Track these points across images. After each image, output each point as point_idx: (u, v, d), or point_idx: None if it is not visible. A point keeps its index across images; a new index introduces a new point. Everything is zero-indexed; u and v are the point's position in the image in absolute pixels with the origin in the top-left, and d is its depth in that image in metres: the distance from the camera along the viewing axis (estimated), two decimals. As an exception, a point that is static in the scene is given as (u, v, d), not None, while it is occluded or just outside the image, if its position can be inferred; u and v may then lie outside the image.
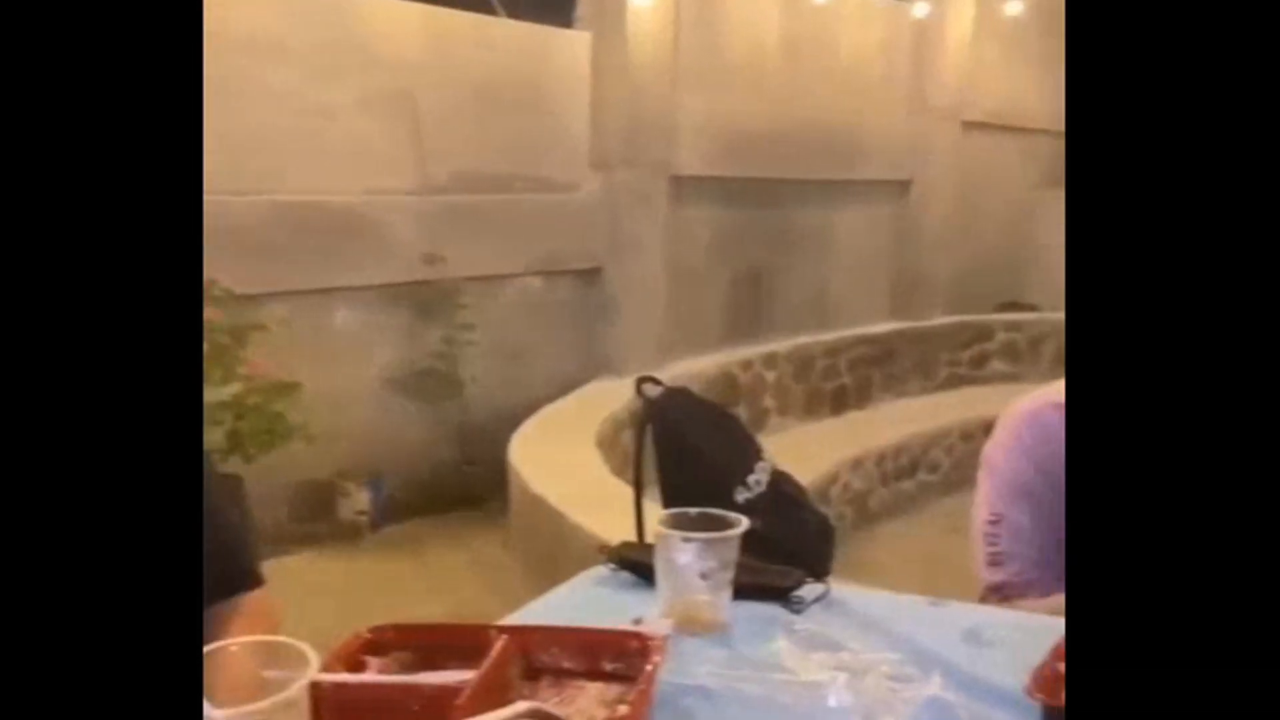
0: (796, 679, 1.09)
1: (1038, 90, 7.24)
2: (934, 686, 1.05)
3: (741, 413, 5.30)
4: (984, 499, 1.59)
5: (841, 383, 6.08)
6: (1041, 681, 1.02)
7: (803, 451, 4.86)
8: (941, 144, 6.43)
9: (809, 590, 1.30)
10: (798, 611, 1.26)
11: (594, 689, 1.04)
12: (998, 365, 6.49)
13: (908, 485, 5.67)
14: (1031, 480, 1.55)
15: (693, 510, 1.24)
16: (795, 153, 5.75)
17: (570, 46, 5.06)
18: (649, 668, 1.01)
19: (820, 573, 1.75)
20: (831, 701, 1.04)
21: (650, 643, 1.06)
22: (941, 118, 6.39)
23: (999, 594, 1.54)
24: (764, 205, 5.78)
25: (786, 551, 1.53)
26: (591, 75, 5.01)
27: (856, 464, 5.32)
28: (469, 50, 4.78)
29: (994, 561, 1.55)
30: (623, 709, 0.99)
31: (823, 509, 4.84)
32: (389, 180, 4.61)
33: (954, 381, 6.48)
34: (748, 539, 1.19)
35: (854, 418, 6.07)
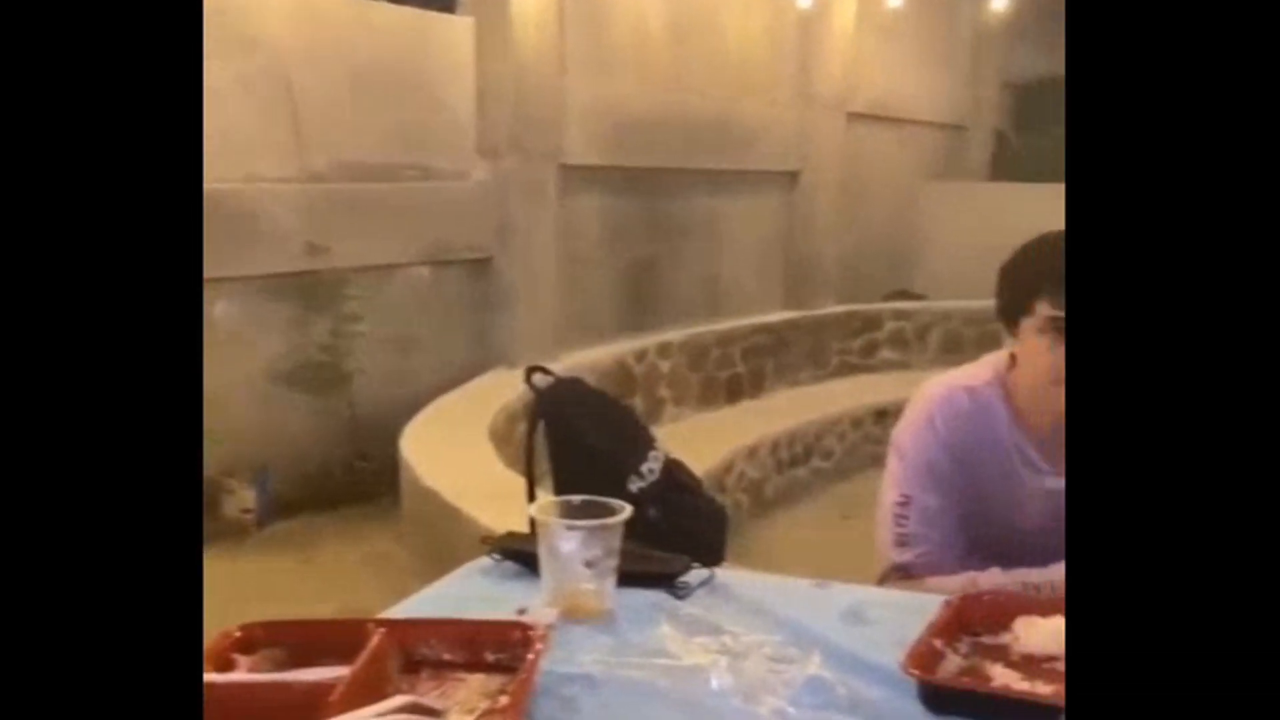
0: (679, 663, 1.09)
1: (917, 82, 7.40)
2: (813, 666, 1.06)
3: (637, 403, 5.31)
4: (893, 481, 1.61)
5: (736, 372, 6.14)
6: (916, 657, 1.04)
7: (698, 440, 4.89)
8: (827, 135, 6.53)
9: (694, 576, 1.30)
10: (682, 597, 1.26)
11: (475, 681, 1.03)
12: (887, 354, 6.62)
13: (802, 472, 5.75)
14: (940, 463, 1.57)
15: (576, 498, 1.23)
16: (684, 142, 5.77)
17: (452, 31, 4.99)
18: (531, 657, 1.00)
19: (714, 560, 1.76)
20: (713, 684, 1.04)
21: (532, 632, 1.05)
22: (827, 108, 6.48)
23: (903, 574, 1.56)
24: (654, 194, 5.79)
25: (681, 539, 1.54)
26: (475, 61, 4.95)
27: (751, 452, 5.37)
28: (348, 34, 4.68)
29: (901, 542, 1.57)
30: (504, 699, 0.97)
31: (718, 497, 4.86)
32: (268, 167, 4.48)
33: (845, 370, 6.59)
34: (642, 528, 1.19)
35: (748, 406, 6.13)
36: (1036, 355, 1.47)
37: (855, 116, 6.70)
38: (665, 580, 1.28)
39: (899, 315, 6.64)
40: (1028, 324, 1.47)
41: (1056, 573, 1.52)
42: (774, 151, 6.38)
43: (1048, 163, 7.82)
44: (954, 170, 7.90)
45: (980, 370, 1.60)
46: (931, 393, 1.61)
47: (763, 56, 6.23)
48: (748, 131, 6.17)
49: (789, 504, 5.57)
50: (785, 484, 5.63)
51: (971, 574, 1.50)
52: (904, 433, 1.62)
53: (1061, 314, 1.42)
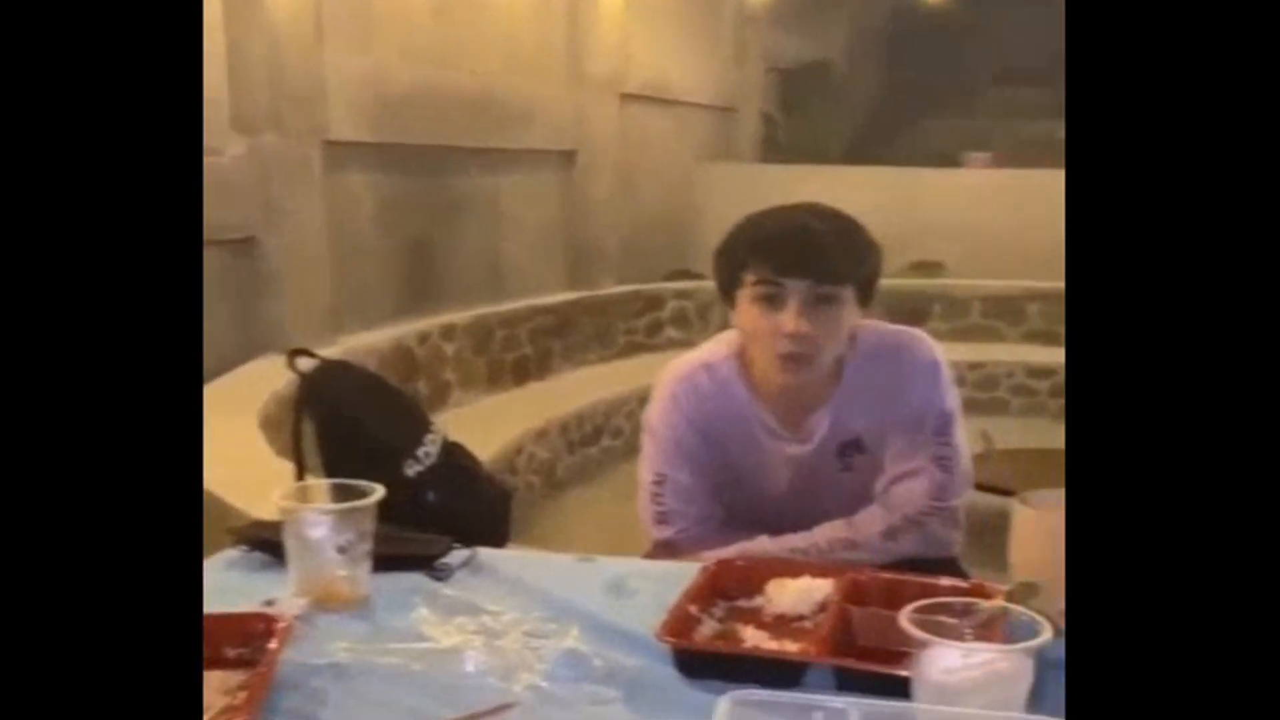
0: (436, 646, 1.07)
1: (687, 65, 7.52)
2: (571, 639, 1.06)
3: (421, 387, 5.20)
4: (647, 460, 1.64)
5: (523, 353, 6.10)
6: (670, 624, 1.05)
7: (487, 423, 4.83)
8: (601, 115, 6.55)
9: (455, 557, 1.28)
10: (443, 579, 1.23)
11: (215, 677, 0.98)
12: (671, 333, 6.74)
13: (593, 452, 5.78)
14: (690, 441, 1.60)
15: (326, 482, 1.18)
16: (454, 119, 5.65)
17: (198, -3, 4.71)
18: (270, 649, 0.95)
19: (499, 542, 1.74)
20: (469, 666, 1.02)
21: (275, 625, 1.00)
22: (599, 88, 6.49)
23: (667, 550, 1.58)
24: (427, 173, 5.66)
25: (462, 522, 1.51)
26: (225, 29, 4.68)
27: (541, 434, 5.36)
28: None
29: (660, 520, 1.60)
30: (242, 695, 0.92)
31: (510, 479, 4.82)
32: None
33: (631, 349, 6.66)
34: (421, 511, 1.15)
35: (536, 388, 6.10)
36: (752, 324, 1.52)
37: (629, 97, 6.75)
38: (425, 563, 1.25)
39: (681, 295, 6.76)
40: (741, 295, 1.53)
41: (819, 535, 1.58)
42: (548, 131, 6.35)
43: (813, 145, 8.14)
44: (726, 152, 8.09)
45: (717, 347, 1.65)
46: (674, 372, 1.64)
47: (531, 34, 6.18)
48: (519, 110, 6.11)
49: (581, 484, 5.59)
50: (577, 464, 5.65)
51: (742, 544, 1.54)
52: (652, 413, 1.65)
53: (766, 277, 1.48)
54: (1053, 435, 5.28)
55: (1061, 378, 6.06)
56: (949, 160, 7.65)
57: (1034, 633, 0.87)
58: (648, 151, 7.18)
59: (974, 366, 6.05)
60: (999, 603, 0.96)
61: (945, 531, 1.61)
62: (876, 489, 1.62)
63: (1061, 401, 6.15)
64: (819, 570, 1.18)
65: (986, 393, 6.11)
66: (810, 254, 1.47)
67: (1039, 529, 1.12)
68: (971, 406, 6.46)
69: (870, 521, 1.59)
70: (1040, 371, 6.12)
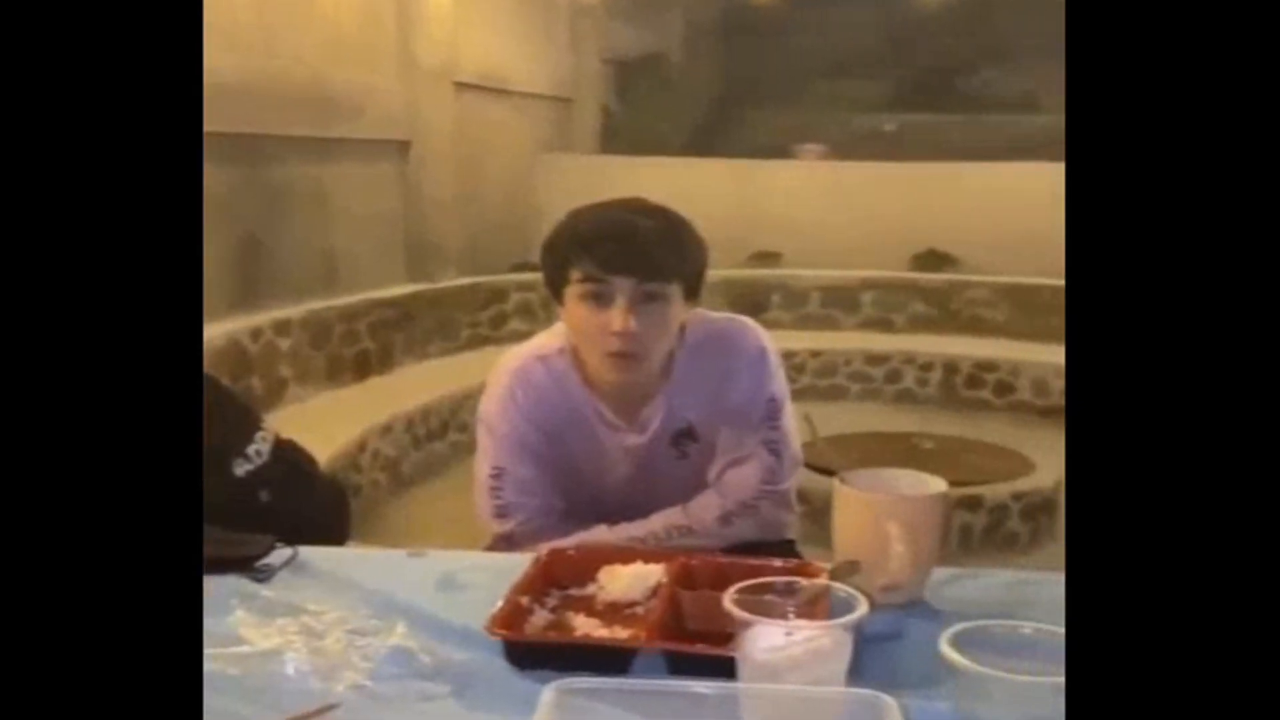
0: (254, 650, 1.03)
1: (523, 54, 7.47)
2: (397, 636, 1.03)
3: (256, 384, 5.02)
4: (484, 454, 1.62)
5: (363, 348, 5.95)
6: (500, 617, 1.04)
7: (328, 420, 4.69)
8: (436, 104, 6.43)
9: (276, 557, 1.23)
10: (263, 580, 1.19)
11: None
12: (516, 325, 6.68)
13: (440, 447, 5.69)
14: (527, 433, 1.59)
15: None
16: (280, 108, 5.46)
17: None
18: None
19: (338, 541, 1.68)
20: (289, 669, 0.99)
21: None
22: (432, 77, 6.38)
23: (508, 543, 1.57)
24: (254, 163, 5.46)
25: (297, 522, 1.46)
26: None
27: (386, 429, 5.24)
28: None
29: (500, 514, 1.59)
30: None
31: (354, 477, 4.70)
32: None
33: (476, 342, 6.58)
34: (253, 512, 1.11)
35: (379, 383, 5.97)
36: (580, 322, 1.52)
37: (463, 87, 6.66)
38: (245, 564, 1.21)
39: (524, 287, 6.71)
40: (568, 292, 1.52)
41: (656, 523, 1.59)
42: (380, 120, 6.20)
43: (651, 136, 8.21)
44: (566, 143, 8.07)
45: (551, 339, 1.64)
46: (508, 365, 1.63)
47: (358, 21, 6.03)
48: (349, 99, 5.94)
49: (428, 479, 5.50)
50: (423, 459, 5.55)
51: (580, 535, 1.54)
52: (488, 407, 1.63)
53: (592, 275, 1.48)
54: (890, 419, 5.51)
55: (895, 364, 6.34)
56: (782, 152, 7.82)
57: (852, 609, 0.89)
58: (486, 142, 7.10)
59: (814, 354, 6.21)
60: (821, 581, 0.98)
61: (778, 514, 1.64)
62: (711, 476, 1.64)
63: (896, 386, 6.40)
64: (651, 556, 1.19)
65: (826, 379, 6.27)
66: (635, 252, 1.48)
67: (859, 508, 1.15)
68: (813, 393, 6.67)
69: (706, 508, 1.61)
70: (876, 358, 6.33)
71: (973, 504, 3.99)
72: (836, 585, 0.96)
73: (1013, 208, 6.75)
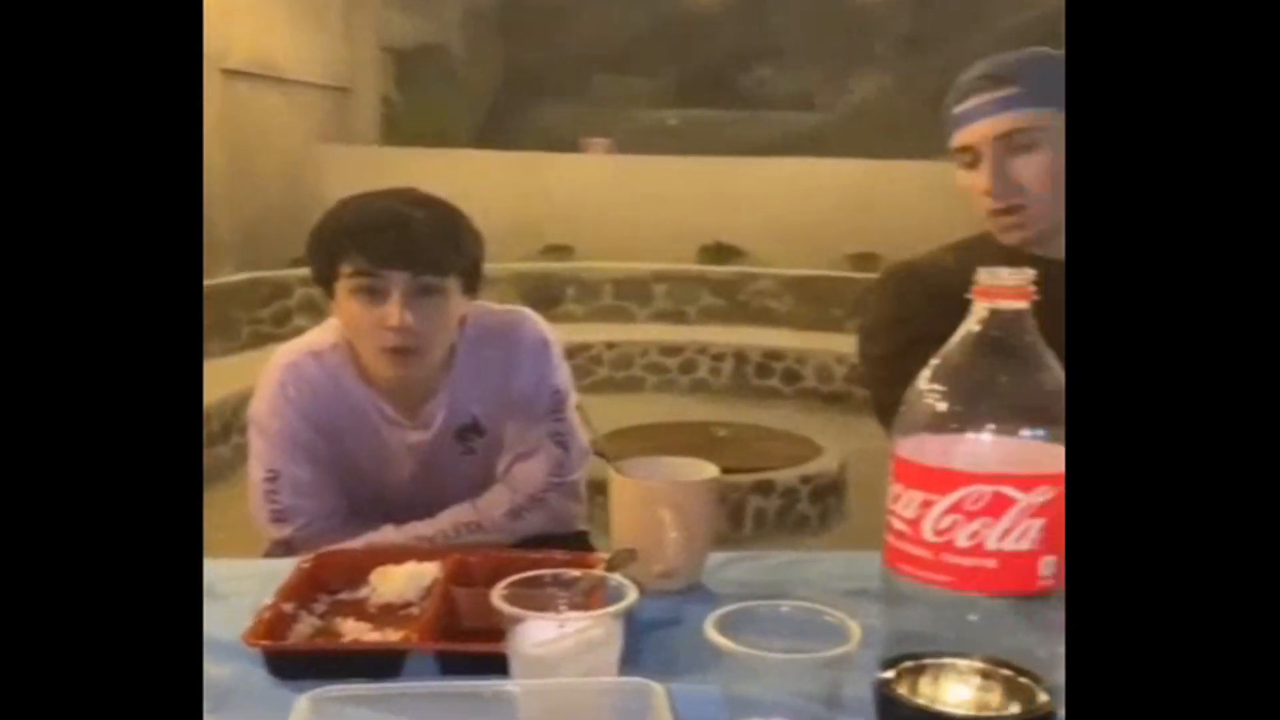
0: None
1: (296, 41, 7.21)
2: (146, 655, 0.96)
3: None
4: (257, 457, 1.55)
5: (135, 350, 5.63)
6: (260, 626, 0.98)
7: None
8: (203, 91, 6.16)
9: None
10: None
11: None
12: (300, 321, 6.44)
13: (223, 450, 5.43)
14: (303, 433, 1.52)
15: None
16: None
17: None
18: None
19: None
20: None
21: None
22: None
23: (288, 549, 1.49)
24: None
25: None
26: None
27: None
28: None
29: (278, 518, 1.52)
30: None
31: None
32: None
33: (258, 340, 6.31)
34: None
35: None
36: (354, 317, 1.47)
37: (232, 74, 6.38)
38: None
39: (307, 282, 6.48)
40: (340, 286, 1.47)
41: (444, 521, 1.55)
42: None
43: (435, 128, 8.08)
44: (345, 134, 7.85)
45: (324, 334, 1.58)
46: (279, 361, 1.56)
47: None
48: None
49: (211, 484, 5.24)
50: (210, 463, 5.29)
51: (367, 537, 1.49)
52: (259, 406, 1.56)
53: (364, 269, 1.43)
54: (686, 409, 5.61)
55: (689, 354, 6.46)
56: (569, 145, 7.85)
57: (623, 597, 0.89)
58: (260, 131, 6.81)
59: (610, 346, 6.26)
60: (595, 572, 0.97)
61: (568, 506, 1.63)
62: (499, 470, 1.61)
63: (691, 376, 6.52)
64: (425, 554, 1.15)
65: (623, 371, 6.34)
66: (409, 244, 1.43)
67: (634, 496, 1.15)
68: (610, 385, 6.72)
69: (494, 503, 1.58)
70: (671, 349, 6.43)
71: (765, 489, 4.11)
72: (610, 575, 0.95)
73: (793, 201, 7.00)
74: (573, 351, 6.11)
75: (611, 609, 0.86)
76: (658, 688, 0.77)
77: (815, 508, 4.19)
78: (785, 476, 4.18)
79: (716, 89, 9.21)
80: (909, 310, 1.46)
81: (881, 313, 1.61)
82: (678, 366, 6.42)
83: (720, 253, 7.05)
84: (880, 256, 5.63)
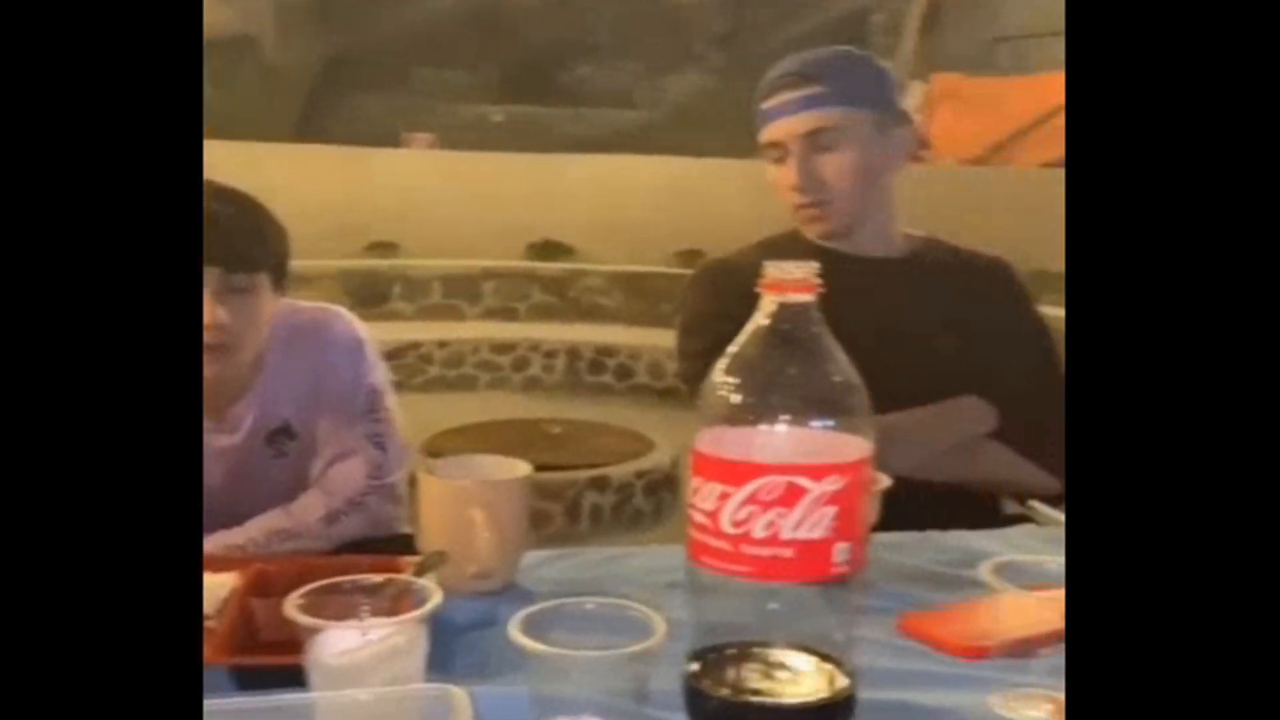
0: None
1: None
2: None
3: None
4: None
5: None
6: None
7: None
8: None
9: None
10: None
11: None
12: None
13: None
14: None
15: None
16: None
17: None
18: None
19: None
20: None
21: None
22: None
23: None
24: None
25: None
26: None
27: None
28: None
29: None
30: None
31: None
32: None
33: None
34: None
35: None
36: None
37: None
38: None
39: None
40: None
41: (254, 529, 1.49)
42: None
43: (250, 121, 7.79)
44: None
45: None
46: None
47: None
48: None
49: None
50: None
51: None
52: None
53: None
54: (520, 407, 5.57)
55: (521, 351, 6.42)
56: (390, 140, 7.72)
57: (426, 601, 0.87)
58: None
59: (441, 345, 6.18)
60: (401, 577, 0.94)
61: (387, 509, 1.60)
62: (313, 474, 1.57)
63: (524, 374, 6.49)
64: (220, 565, 1.10)
65: (455, 369, 6.26)
66: (217, 240, 1.37)
67: (441, 496, 1.13)
68: (442, 384, 6.60)
69: (309, 508, 1.53)
70: (502, 347, 6.39)
71: (601, 484, 4.13)
72: (414, 580, 0.93)
73: (619, 199, 7.05)
74: (402, 350, 6.05)
75: (413, 614, 0.84)
76: (460, 692, 0.76)
77: (649, 502, 4.24)
78: (620, 472, 4.21)
79: (539, 85, 9.21)
80: (723, 306, 1.49)
81: (697, 309, 1.64)
82: (510, 364, 6.39)
83: (548, 250, 7.04)
84: (707, 253, 5.73)
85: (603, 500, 4.15)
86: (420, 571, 1.01)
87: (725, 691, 0.82)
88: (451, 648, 0.99)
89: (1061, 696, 0.85)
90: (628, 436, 4.65)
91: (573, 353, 6.37)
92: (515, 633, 0.80)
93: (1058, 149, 7.80)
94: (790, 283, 0.78)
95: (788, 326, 0.79)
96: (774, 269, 0.79)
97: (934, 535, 1.34)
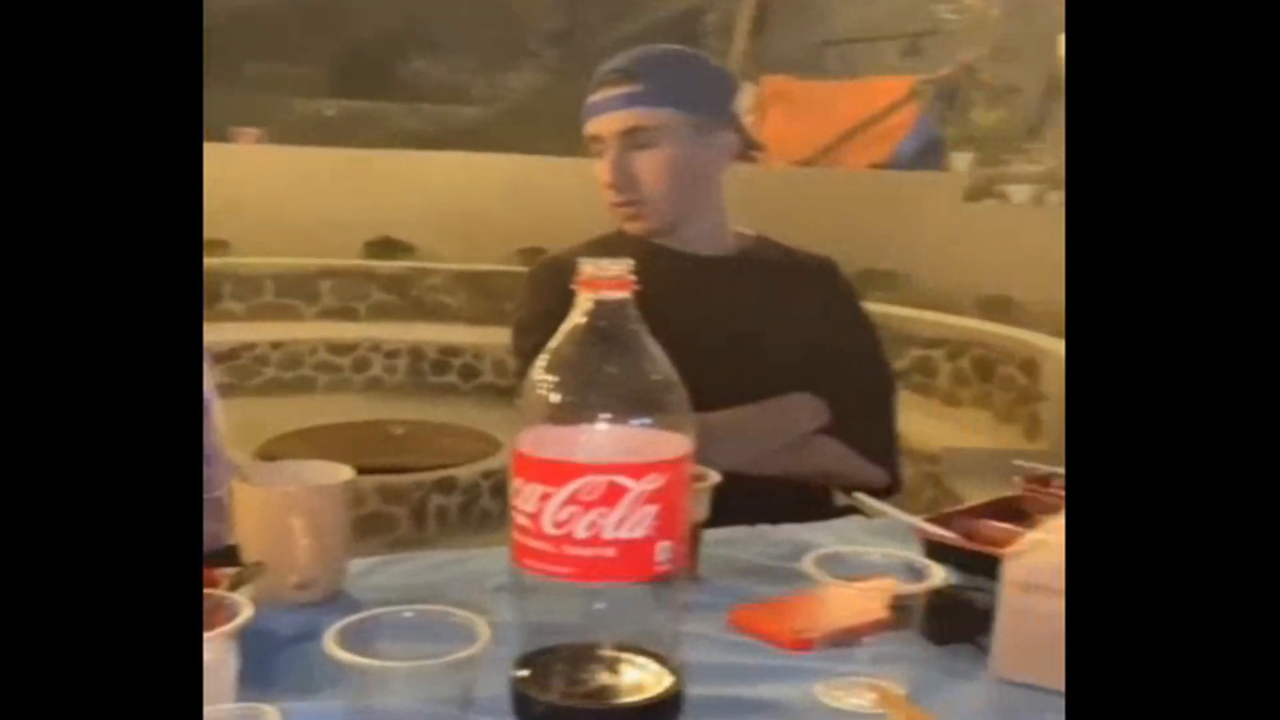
0: None
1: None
2: None
3: None
4: None
5: None
6: None
7: None
8: None
9: None
10: None
11: None
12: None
13: None
14: None
15: None
16: None
17: None
18: None
19: None
20: None
21: None
22: None
23: None
24: None
25: None
26: None
27: None
28: None
29: None
30: None
31: None
32: None
33: None
34: None
35: None
36: None
37: None
38: None
39: None
40: None
41: None
42: None
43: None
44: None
45: None
46: None
47: None
48: None
49: None
50: None
51: None
52: None
53: None
54: (361, 408, 5.44)
55: (362, 352, 6.27)
56: (217, 134, 7.44)
57: (236, 615, 0.83)
58: None
59: (276, 346, 5.98)
60: (215, 591, 0.90)
61: (212, 525, 1.52)
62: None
63: (364, 375, 6.34)
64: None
65: (291, 371, 6.07)
66: None
67: (258, 505, 1.09)
68: (278, 386, 6.39)
69: None
70: (341, 347, 6.23)
71: (447, 486, 4.07)
72: (227, 595, 0.89)
73: (457, 196, 6.96)
74: (236, 351, 5.84)
75: (218, 631, 0.80)
76: (271, 711, 0.72)
77: (497, 503, 4.20)
78: (466, 473, 4.16)
79: (374, 80, 9.00)
80: (555, 305, 1.48)
81: (530, 308, 1.62)
82: (350, 365, 6.23)
83: (387, 248, 6.90)
84: (548, 251, 5.71)
85: (449, 502, 4.09)
86: (236, 584, 0.97)
87: (553, 696, 0.81)
88: (273, 662, 0.95)
89: (884, 683, 0.87)
90: (473, 437, 4.60)
91: (415, 353, 6.25)
92: (331, 646, 0.77)
93: (884, 151, 8.10)
94: (605, 280, 0.78)
95: (604, 324, 0.79)
96: (590, 266, 0.79)
97: (765, 529, 1.35)
